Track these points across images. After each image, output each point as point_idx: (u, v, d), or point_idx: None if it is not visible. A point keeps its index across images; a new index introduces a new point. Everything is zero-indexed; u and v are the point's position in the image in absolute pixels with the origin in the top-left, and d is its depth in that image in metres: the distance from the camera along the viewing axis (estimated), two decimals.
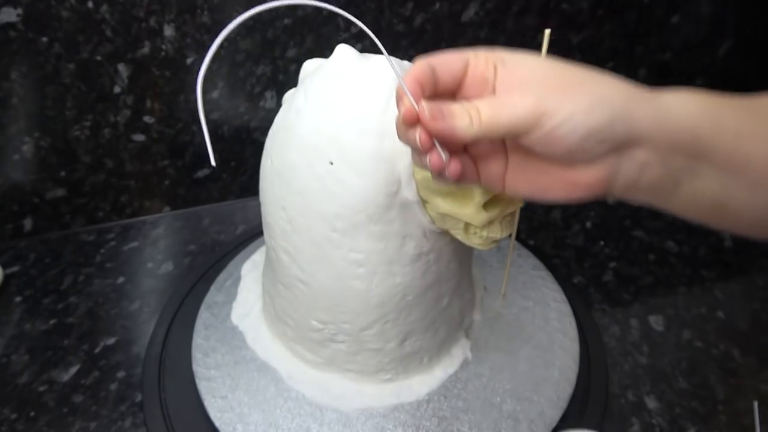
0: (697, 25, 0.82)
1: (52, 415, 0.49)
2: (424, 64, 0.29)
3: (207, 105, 0.67)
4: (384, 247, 0.41)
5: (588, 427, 0.47)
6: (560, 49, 0.83)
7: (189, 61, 0.64)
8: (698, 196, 0.30)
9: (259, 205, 0.48)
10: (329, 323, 0.46)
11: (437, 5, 0.69)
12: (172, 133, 0.68)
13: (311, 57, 0.47)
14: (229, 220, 0.72)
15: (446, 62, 0.29)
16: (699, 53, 0.86)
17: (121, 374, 0.53)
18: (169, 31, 0.61)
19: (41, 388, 0.51)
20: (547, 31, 0.37)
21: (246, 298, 0.56)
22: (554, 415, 0.47)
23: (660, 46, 0.83)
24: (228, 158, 0.72)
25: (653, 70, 0.85)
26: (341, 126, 0.40)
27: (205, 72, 0.27)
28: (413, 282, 0.43)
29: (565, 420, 0.47)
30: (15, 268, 0.64)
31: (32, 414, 0.49)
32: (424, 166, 0.30)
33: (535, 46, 0.83)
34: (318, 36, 0.67)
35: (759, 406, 0.50)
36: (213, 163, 0.29)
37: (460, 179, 0.30)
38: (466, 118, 0.27)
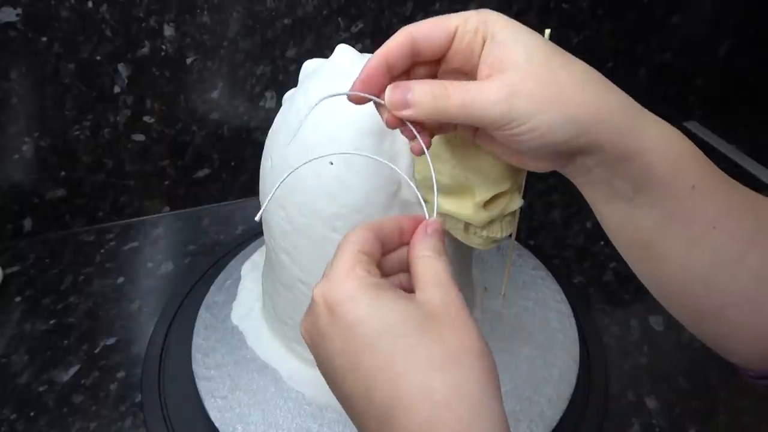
0: (697, 25, 0.82)
1: (52, 415, 0.49)
2: (402, 37, 0.28)
3: (207, 105, 0.67)
4: None
5: (588, 428, 0.47)
6: None
7: (189, 61, 0.64)
8: (631, 222, 0.31)
9: (259, 206, 0.48)
10: None
11: (437, 5, 0.69)
12: (172, 133, 0.68)
13: (311, 57, 0.47)
14: (229, 220, 0.72)
15: (430, 33, 0.28)
16: (699, 53, 0.86)
17: (121, 374, 0.53)
18: (168, 31, 0.61)
19: (41, 388, 0.51)
20: (547, 31, 0.36)
21: (246, 298, 0.56)
22: (554, 415, 0.47)
23: (660, 46, 0.83)
24: (228, 158, 0.72)
25: (653, 70, 0.85)
26: (341, 126, 0.39)
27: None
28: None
29: (565, 420, 0.47)
30: (15, 268, 0.64)
31: (32, 414, 0.49)
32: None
33: None
34: (318, 36, 0.67)
35: (759, 406, 0.50)
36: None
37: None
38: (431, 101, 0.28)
